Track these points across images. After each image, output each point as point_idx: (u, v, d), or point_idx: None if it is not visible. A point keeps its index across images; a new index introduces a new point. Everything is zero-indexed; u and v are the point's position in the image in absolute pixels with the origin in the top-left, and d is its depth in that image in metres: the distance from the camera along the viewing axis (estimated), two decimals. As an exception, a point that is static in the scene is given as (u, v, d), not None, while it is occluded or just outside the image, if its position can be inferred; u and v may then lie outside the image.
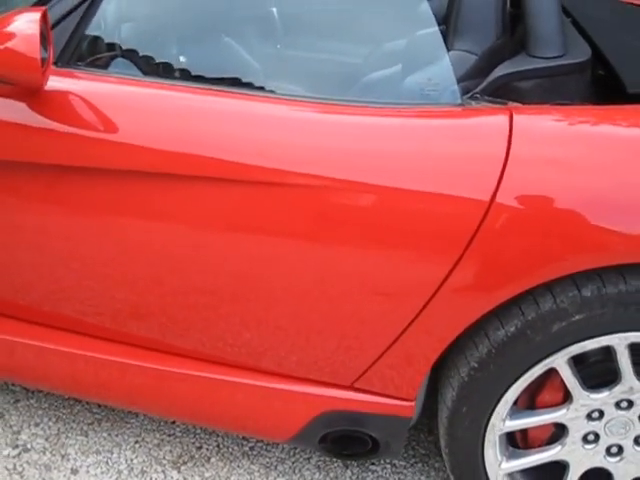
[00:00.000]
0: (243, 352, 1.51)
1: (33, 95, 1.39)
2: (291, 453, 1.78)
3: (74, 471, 1.73)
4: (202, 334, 1.52)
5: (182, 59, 1.75)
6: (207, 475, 1.72)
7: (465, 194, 1.26)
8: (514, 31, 1.62)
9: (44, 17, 1.32)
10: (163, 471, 1.73)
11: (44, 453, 1.77)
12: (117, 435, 1.82)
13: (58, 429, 1.83)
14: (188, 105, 1.42)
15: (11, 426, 1.84)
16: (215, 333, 1.51)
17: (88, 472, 1.73)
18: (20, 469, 1.72)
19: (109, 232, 1.47)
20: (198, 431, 1.84)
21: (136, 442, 1.80)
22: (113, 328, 1.58)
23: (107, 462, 1.75)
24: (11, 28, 1.31)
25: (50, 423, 1.85)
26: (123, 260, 1.49)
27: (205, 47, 1.84)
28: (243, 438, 1.82)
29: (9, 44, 1.29)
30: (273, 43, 2.00)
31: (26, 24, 1.30)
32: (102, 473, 1.72)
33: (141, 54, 1.64)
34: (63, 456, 1.76)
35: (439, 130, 1.33)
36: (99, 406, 1.89)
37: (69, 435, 1.82)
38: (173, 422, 1.86)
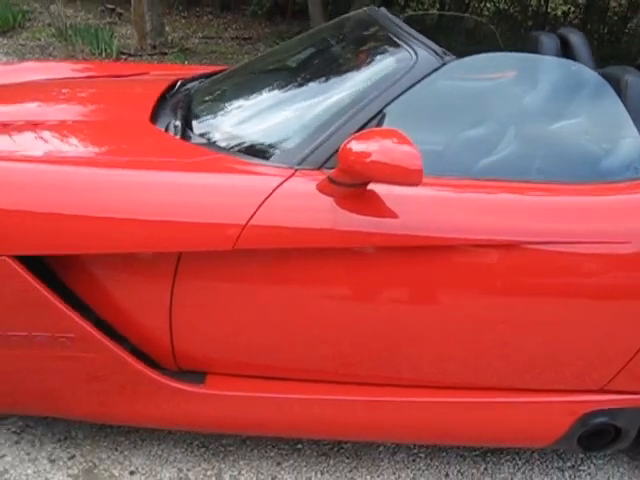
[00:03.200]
0: (512, 375, 2.00)
1: (351, 195, 1.80)
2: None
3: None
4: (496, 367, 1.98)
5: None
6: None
7: None
8: None
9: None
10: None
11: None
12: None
13: (327, 480, 2.21)
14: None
15: (287, 483, 2.20)
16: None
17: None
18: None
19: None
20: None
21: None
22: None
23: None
24: (383, 147, 1.67)
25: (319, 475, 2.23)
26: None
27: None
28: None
29: (384, 159, 1.66)
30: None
31: (399, 143, 1.67)
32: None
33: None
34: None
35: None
36: (349, 458, 2.28)
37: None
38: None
